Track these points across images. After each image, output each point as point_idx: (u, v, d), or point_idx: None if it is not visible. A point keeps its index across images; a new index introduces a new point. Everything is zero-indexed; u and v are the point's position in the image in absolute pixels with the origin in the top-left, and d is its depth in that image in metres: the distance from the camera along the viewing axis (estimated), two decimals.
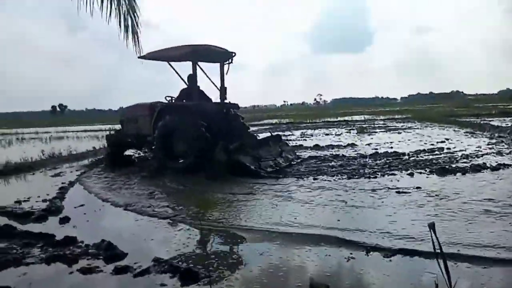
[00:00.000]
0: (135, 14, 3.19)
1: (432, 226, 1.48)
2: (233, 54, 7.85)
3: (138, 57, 6.50)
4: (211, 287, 2.15)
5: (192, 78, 7.76)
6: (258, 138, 8.31)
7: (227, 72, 7.91)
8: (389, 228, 3.49)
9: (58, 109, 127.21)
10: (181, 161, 7.12)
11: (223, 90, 8.06)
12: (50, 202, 5.08)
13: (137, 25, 3.22)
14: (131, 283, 2.64)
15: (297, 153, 8.42)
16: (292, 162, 7.44)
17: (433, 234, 1.46)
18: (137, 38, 3.20)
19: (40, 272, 2.90)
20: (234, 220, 3.98)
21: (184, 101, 7.80)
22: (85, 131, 25.67)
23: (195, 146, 6.90)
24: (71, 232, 3.67)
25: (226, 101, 8.10)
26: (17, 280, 2.70)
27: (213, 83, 8.12)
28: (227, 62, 7.87)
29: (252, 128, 20.79)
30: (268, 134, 8.62)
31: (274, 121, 29.03)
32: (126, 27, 3.13)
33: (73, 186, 6.44)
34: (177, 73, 7.65)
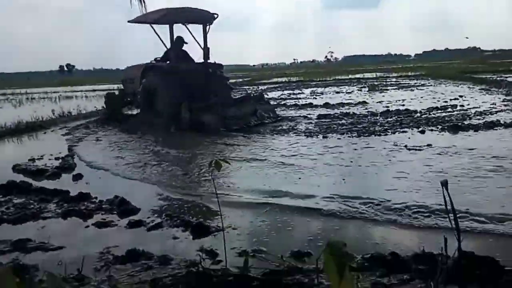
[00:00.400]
0: None
1: (445, 184, 1.48)
2: (215, 16, 8.28)
3: (128, 21, 8.23)
4: (224, 236, 2.21)
5: (173, 39, 8.09)
6: (236, 97, 8.93)
7: (207, 32, 8.42)
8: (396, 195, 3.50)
9: (66, 68, 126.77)
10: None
11: (206, 51, 8.51)
12: (62, 160, 5.18)
13: None
14: (145, 236, 2.73)
15: (277, 112, 8.57)
16: (265, 121, 7.67)
17: (445, 192, 1.46)
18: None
19: (57, 226, 3.02)
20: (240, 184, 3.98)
21: (167, 62, 8.28)
22: (93, 90, 25.68)
23: (166, 109, 7.63)
24: (84, 189, 3.77)
25: (209, 61, 8.53)
26: (36, 233, 2.82)
27: (198, 44, 8.61)
28: (208, 23, 8.33)
29: (261, 87, 20.70)
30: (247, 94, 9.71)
31: (283, 79, 28.55)
32: None
33: (82, 142, 6.55)
34: (158, 35, 8.18)
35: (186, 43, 8.54)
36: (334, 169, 4.22)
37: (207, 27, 8.38)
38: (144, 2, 3.17)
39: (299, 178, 3.93)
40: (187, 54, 8.64)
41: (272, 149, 5.34)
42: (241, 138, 6.33)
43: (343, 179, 3.83)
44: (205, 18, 8.31)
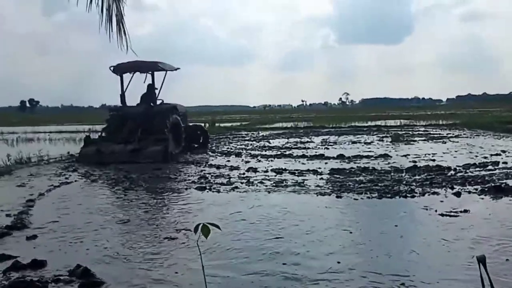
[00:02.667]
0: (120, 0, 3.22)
1: (482, 260, 1.48)
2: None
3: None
4: None
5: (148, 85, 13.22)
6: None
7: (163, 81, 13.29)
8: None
9: (28, 104, 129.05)
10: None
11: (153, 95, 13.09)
12: (15, 217, 5.14)
13: (123, 12, 3.25)
14: None
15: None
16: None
17: (483, 270, 1.45)
18: (123, 27, 3.23)
19: None
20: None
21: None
22: (60, 132, 25.99)
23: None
24: (40, 254, 3.71)
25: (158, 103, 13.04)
26: None
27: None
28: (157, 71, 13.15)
29: (262, 133, 20.98)
30: None
31: (289, 124, 29.01)
32: (110, 15, 3.16)
33: (43, 197, 6.51)
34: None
35: (156, 89, 13.17)
36: (345, 243, 4.18)
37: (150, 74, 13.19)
38: (125, 31, 3.30)
39: (297, 254, 3.87)
40: (149, 98, 12.98)
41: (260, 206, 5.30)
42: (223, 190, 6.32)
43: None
44: (153, 68, 12.94)
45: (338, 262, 3.53)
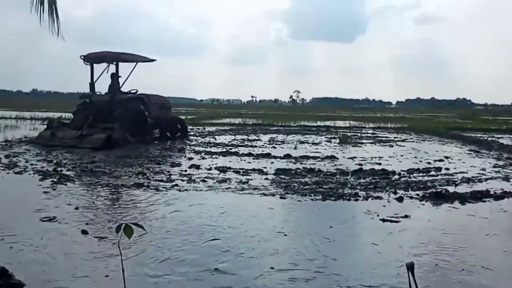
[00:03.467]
0: None
1: (410, 267, 1.56)
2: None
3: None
4: None
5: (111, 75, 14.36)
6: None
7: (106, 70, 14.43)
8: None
9: None
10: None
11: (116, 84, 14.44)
12: None
13: None
14: None
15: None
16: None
17: (410, 277, 1.53)
18: (55, 10, 3.11)
19: None
20: None
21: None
22: None
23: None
24: None
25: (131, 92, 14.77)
26: None
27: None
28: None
29: (208, 129, 20.89)
30: None
31: (237, 120, 29.10)
32: None
33: None
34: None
35: (120, 76, 14.47)
36: (286, 242, 4.26)
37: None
38: (57, 16, 3.18)
39: (241, 254, 3.91)
40: (114, 86, 14.28)
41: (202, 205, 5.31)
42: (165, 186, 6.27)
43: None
44: (113, 59, 14.20)
45: (272, 268, 3.59)
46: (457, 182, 7.57)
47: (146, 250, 3.89)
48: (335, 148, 13.16)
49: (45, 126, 14.11)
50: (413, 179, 7.85)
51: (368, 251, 4.14)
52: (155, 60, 15.89)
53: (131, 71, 14.81)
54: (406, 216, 5.23)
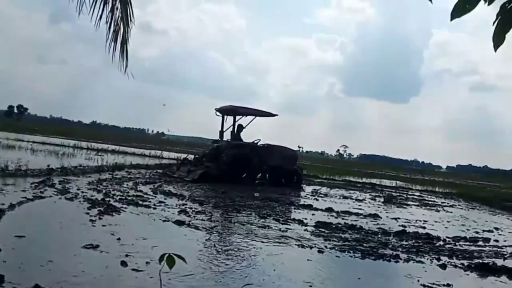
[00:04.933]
0: (128, 21, 3.37)
1: None
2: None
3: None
4: None
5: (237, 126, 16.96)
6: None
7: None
8: None
9: (16, 110, 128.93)
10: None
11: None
12: None
13: (128, 35, 3.40)
14: None
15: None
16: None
17: None
18: (126, 50, 3.36)
19: None
20: None
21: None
22: (44, 143, 25.90)
23: None
24: None
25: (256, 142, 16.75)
26: None
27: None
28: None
29: None
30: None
31: None
32: (116, 34, 3.30)
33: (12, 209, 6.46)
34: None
35: (244, 127, 16.84)
36: None
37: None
38: (127, 54, 3.42)
39: None
40: (234, 134, 16.80)
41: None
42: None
43: None
44: (260, 115, 16.99)
45: None
46: (506, 256, 7.16)
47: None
48: (379, 207, 12.87)
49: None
50: (458, 247, 7.52)
51: None
52: (277, 115, 17.88)
53: (249, 123, 17.02)
54: (448, 285, 5.00)
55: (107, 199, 8.33)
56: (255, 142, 16.59)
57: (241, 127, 16.80)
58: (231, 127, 16.96)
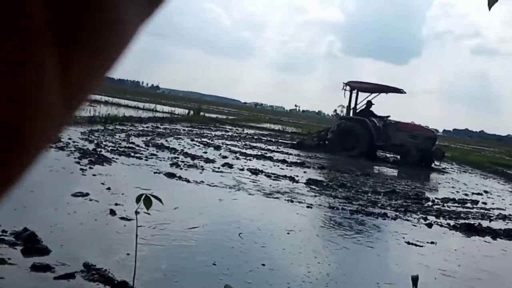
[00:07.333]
0: None
1: (415, 280, 1.58)
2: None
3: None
4: None
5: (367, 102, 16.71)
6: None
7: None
8: None
9: None
10: None
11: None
12: None
13: None
14: (49, 285, 2.71)
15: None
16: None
17: None
18: None
19: None
20: None
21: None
22: None
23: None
24: None
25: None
26: None
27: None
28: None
29: (247, 131, 21.11)
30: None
31: (277, 127, 29.18)
32: None
33: None
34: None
35: (373, 104, 16.51)
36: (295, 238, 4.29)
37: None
38: None
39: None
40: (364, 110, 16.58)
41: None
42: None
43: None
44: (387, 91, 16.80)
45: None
46: (492, 218, 7.34)
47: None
48: (374, 167, 13.02)
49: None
50: (446, 208, 7.68)
51: (379, 264, 4.12)
52: (405, 92, 17.46)
53: (373, 97, 16.66)
54: (432, 243, 5.15)
55: (99, 149, 8.38)
56: (385, 119, 16.30)
57: (369, 103, 16.56)
58: (367, 103, 16.66)
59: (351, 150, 15.26)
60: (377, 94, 16.66)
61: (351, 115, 16.64)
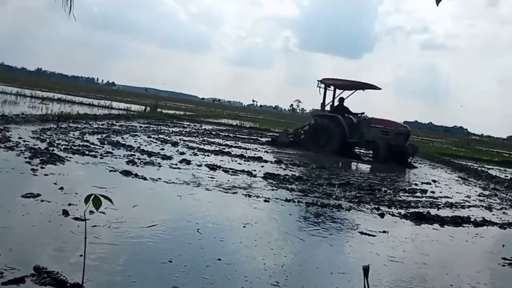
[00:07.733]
0: None
1: (366, 270, 1.61)
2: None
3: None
4: None
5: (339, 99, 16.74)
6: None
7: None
8: None
9: None
10: None
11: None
12: None
13: None
14: None
15: None
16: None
17: (364, 280, 1.59)
18: None
19: None
20: None
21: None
22: None
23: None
24: None
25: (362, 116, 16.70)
26: None
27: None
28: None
29: (205, 126, 20.96)
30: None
31: (235, 122, 29.16)
32: None
33: None
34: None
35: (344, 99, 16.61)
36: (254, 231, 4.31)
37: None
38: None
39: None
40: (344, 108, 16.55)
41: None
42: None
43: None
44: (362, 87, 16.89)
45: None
46: (440, 206, 7.62)
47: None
48: (330, 160, 13.25)
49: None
50: (397, 198, 7.92)
51: (333, 255, 4.21)
52: (380, 88, 17.74)
53: (349, 95, 16.81)
54: (384, 232, 5.30)
55: (51, 148, 8.08)
56: (359, 115, 16.40)
57: (342, 100, 16.54)
58: (339, 100, 16.61)
59: (324, 147, 15.31)
60: (353, 91, 16.72)
61: (325, 112, 16.51)
